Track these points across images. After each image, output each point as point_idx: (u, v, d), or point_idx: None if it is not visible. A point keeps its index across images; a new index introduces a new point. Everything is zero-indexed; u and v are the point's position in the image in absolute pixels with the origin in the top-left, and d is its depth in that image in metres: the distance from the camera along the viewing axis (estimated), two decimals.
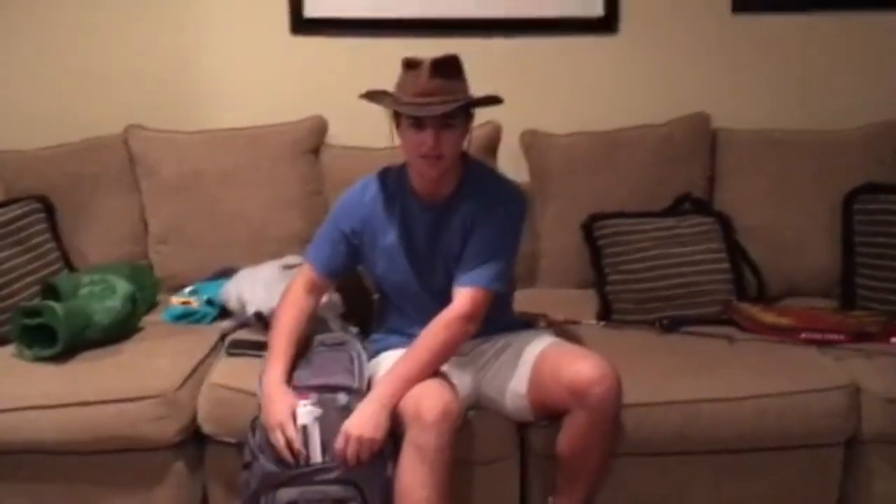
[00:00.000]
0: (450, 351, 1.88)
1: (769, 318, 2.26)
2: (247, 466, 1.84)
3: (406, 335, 1.96)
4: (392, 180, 2.00)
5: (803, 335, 2.18)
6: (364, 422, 1.75)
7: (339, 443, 1.75)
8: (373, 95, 1.91)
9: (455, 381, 1.91)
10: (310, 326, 2.00)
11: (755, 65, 2.72)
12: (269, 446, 1.79)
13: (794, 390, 1.99)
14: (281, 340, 1.92)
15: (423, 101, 1.81)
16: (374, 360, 1.99)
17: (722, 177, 2.59)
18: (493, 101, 1.90)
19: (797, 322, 2.23)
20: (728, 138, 2.60)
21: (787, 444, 2.03)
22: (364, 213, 1.98)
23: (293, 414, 1.78)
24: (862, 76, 2.74)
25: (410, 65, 1.85)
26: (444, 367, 1.91)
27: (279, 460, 1.77)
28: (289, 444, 1.76)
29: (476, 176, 1.97)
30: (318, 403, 1.82)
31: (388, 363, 1.92)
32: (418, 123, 1.82)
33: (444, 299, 1.91)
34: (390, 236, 1.97)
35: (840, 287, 2.44)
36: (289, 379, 1.87)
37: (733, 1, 2.67)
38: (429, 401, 1.75)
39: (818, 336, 2.18)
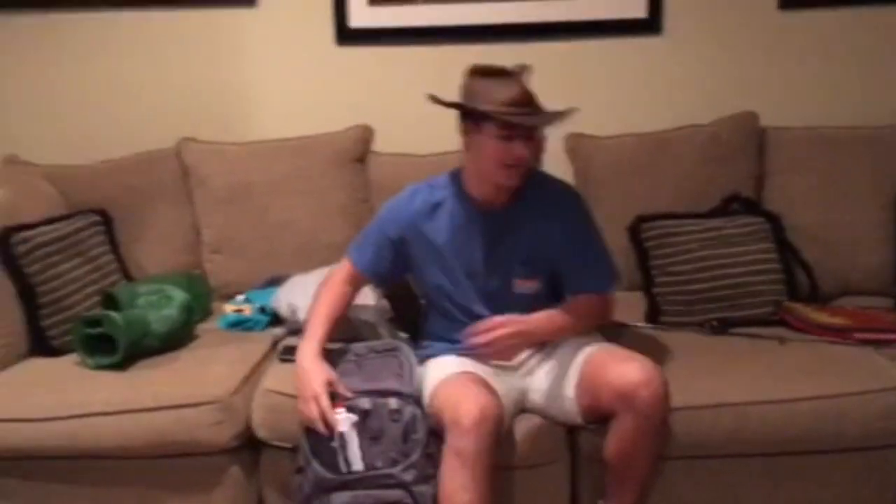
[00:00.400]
0: (592, 321, 2.01)
1: (822, 317, 2.23)
2: (300, 471, 1.87)
3: (454, 342, 1.98)
4: (442, 187, 2.01)
5: (858, 335, 2.14)
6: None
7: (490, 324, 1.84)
8: (460, 104, 1.88)
9: (498, 386, 1.91)
10: (345, 313, 2.06)
11: (803, 61, 2.68)
12: (322, 451, 1.83)
13: (849, 392, 1.95)
14: (317, 319, 1.99)
15: (519, 111, 1.80)
16: (422, 367, 2.00)
17: (771, 176, 2.56)
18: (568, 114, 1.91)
19: (852, 322, 2.19)
20: (777, 137, 2.57)
21: (843, 446, 1.99)
22: (414, 220, 1.99)
23: (329, 388, 1.84)
24: None
25: (496, 73, 1.84)
26: (486, 374, 1.93)
27: (332, 465, 1.81)
28: (322, 416, 1.81)
29: (531, 181, 1.97)
30: (372, 407, 1.86)
31: (437, 370, 1.94)
32: (508, 133, 1.82)
33: (496, 305, 1.95)
34: (443, 242, 1.98)
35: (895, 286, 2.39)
36: (325, 355, 1.94)
37: None
38: (466, 405, 1.75)
39: (873, 335, 2.14)
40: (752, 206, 2.49)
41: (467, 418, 1.73)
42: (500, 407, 1.82)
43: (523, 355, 2.01)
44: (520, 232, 1.96)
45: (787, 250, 2.43)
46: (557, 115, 1.86)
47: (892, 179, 2.44)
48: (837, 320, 2.20)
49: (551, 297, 2.02)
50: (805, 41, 2.67)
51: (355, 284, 2.05)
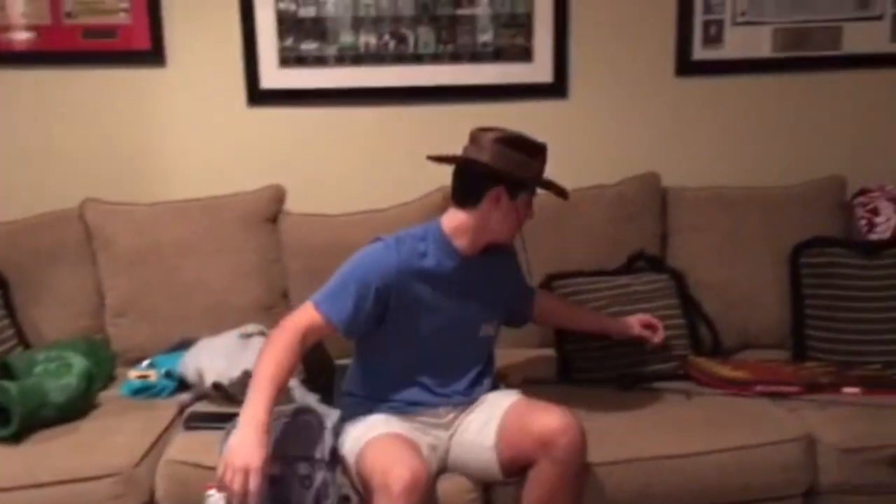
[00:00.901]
0: None
1: (725, 371, 2.30)
2: None
3: (395, 401, 2.00)
4: (422, 239, 2.00)
5: (758, 388, 2.22)
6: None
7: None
8: (517, 177, 1.99)
9: (424, 447, 1.92)
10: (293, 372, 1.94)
11: (700, 125, 2.82)
12: None
13: (751, 444, 2.03)
14: (266, 380, 1.80)
15: (549, 181, 2.06)
16: (346, 425, 1.98)
17: (673, 234, 2.66)
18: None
19: (752, 375, 2.27)
20: (678, 196, 2.67)
21: (748, 497, 2.05)
22: (401, 268, 1.94)
23: (259, 470, 1.71)
24: (803, 133, 2.84)
25: (538, 149, 2.02)
26: (413, 435, 1.92)
27: None
28: (243, 494, 1.69)
29: None
30: (281, 473, 1.82)
31: (365, 428, 1.93)
32: (532, 198, 2.03)
33: (463, 352, 2.04)
34: (432, 290, 1.98)
35: (792, 339, 2.50)
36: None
37: (676, 65, 2.77)
38: (398, 469, 1.74)
39: (772, 388, 2.22)
40: (656, 264, 2.58)
41: (398, 484, 1.72)
42: (430, 472, 1.83)
43: (446, 411, 2.02)
44: (491, 278, 2.05)
45: (690, 306, 2.51)
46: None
47: (786, 237, 2.56)
48: (739, 374, 2.28)
49: (497, 335, 2.15)
50: (701, 106, 2.81)
51: (316, 338, 1.96)
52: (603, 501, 1.98)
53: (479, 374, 2.08)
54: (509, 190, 1.96)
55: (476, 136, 1.99)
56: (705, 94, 2.80)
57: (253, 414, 1.77)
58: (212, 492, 1.79)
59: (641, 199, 2.65)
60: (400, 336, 2.00)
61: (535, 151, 2.00)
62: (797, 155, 2.83)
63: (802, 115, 2.84)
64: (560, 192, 2.09)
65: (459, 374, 2.05)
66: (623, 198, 2.64)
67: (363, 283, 1.92)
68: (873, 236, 2.60)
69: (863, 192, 2.71)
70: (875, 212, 2.64)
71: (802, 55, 2.79)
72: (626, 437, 2.05)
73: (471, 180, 1.98)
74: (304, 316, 1.92)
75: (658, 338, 2.29)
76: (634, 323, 2.30)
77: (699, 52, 2.76)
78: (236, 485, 1.69)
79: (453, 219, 2.01)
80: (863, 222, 2.64)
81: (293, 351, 1.87)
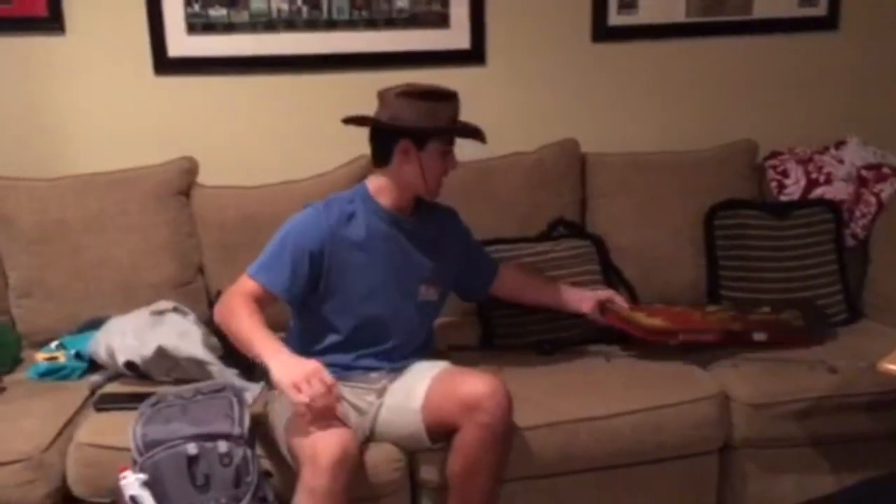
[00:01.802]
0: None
1: (643, 318, 2.29)
2: None
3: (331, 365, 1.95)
4: (350, 201, 2.02)
5: (681, 336, 2.23)
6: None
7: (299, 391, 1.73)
8: (417, 128, 1.97)
9: (352, 416, 1.92)
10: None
11: (617, 91, 2.83)
12: None
13: (666, 403, 2.07)
14: (256, 329, 1.84)
15: (462, 126, 2.03)
16: (274, 394, 1.95)
17: (592, 199, 2.68)
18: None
19: (670, 323, 2.29)
20: (596, 162, 2.69)
21: (665, 455, 2.10)
22: (334, 230, 1.96)
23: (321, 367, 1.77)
24: (716, 98, 2.89)
25: (443, 96, 2.00)
26: (344, 404, 1.91)
27: None
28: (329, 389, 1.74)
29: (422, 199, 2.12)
30: (199, 452, 1.79)
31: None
32: (449, 148, 2.02)
33: (403, 313, 2.05)
34: (365, 248, 1.99)
35: (707, 299, 2.55)
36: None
37: (592, 31, 2.78)
38: (325, 441, 1.73)
39: (693, 337, 2.24)
40: (576, 230, 2.60)
41: (326, 456, 1.71)
42: (357, 443, 1.83)
43: (378, 376, 2.03)
44: (427, 240, 2.06)
45: (611, 271, 2.54)
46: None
47: (700, 200, 2.60)
48: (657, 322, 2.28)
49: (441, 307, 2.18)
50: (617, 72, 2.82)
51: (262, 306, 1.92)
52: (524, 465, 2.01)
53: (417, 341, 2.09)
54: (416, 141, 1.97)
55: (381, 95, 2.02)
56: (621, 60, 2.82)
57: (269, 348, 1.81)
58: (126, 473, 1.75)
59: (560, 166, 2.66)
60: (337, 299, 2.00)
61: (440, 98, 1.99)
62: (711, 119, 2.88)
63: (716, 80, 2.88)
64: (476, 135, 2.07)
65: (397, 337, 2.04)
66: (542, 164, 2.64)
67: (297, 247, 1.94)
68: (783, 198, 2.67)
69: (773, 154, 2.78)
70: (785, 174, 2.71)
71: (715, 20, 2.82)
72: (546, 400, 2.07)
73: (379, 139, 2.01)
74: (245, 287, 1.93)
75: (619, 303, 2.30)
76: (591, 303, 2.26)
77: (614, 18, 2.77)
78: (316, 386, 1.73)
79: (375, 180, 2.05)
80: (773, 184, 2.71)
81: (250, 305, 1.89)
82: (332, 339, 2.02)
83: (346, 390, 1.97)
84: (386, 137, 1.99)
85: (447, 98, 2.01)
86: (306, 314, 2.04)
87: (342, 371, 1.99)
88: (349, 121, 2.03)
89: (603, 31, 2.78)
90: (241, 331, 1.86)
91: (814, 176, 2.68)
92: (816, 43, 2.91)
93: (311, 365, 1.77)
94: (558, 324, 2.38)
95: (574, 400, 2.08)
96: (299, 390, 1.73)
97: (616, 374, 2.20)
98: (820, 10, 2.87)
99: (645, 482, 2.12)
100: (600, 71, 2.81)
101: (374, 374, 2.03)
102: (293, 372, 1.75)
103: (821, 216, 2.56)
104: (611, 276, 2.53)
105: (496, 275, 2.28)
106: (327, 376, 1.76)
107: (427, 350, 2.14)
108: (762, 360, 2.22)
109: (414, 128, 1.96)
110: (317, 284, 1.98)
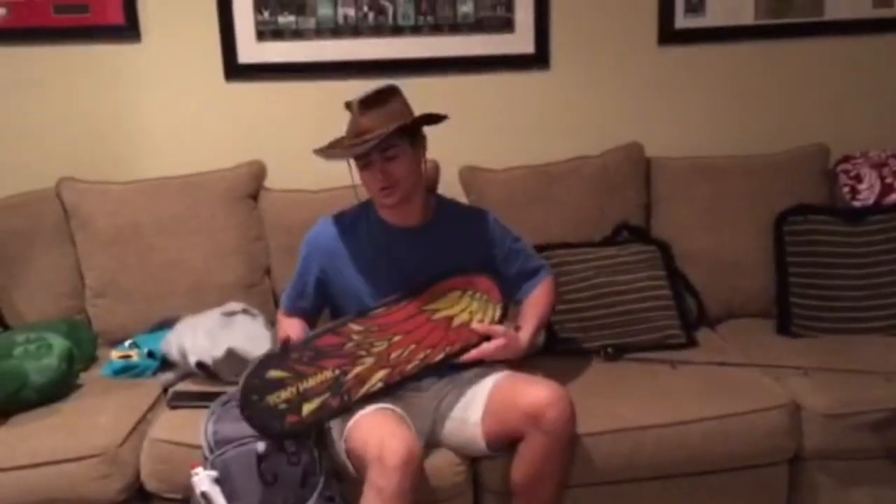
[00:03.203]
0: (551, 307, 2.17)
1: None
2: None
3: None
4: (354, 213, 2.05)
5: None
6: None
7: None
8: (323, 149, 1.99)
9: (414, 421, 1.92)
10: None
11: (683, 94, 2.80)
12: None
13: (736, 412, 2.03)
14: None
15: (359, 141, 1.89)
16: None
17: (657, 204, 2.65)
18: (422, 121, 1.98)
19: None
20: (661, 166, 2.66)
21: (734, 465, 2.06)
22: (333, 244, 2.01)
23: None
24: (786, 101, 2.83)
25: (348, 106, 1.93)
26: (402, 408, 1.92)
27: None
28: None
29: (443, 203, 2.12)
30: (269, 450, 1.83)
31: None
32: (364, 163, 1.92)
33: None
34: (365, 260, 2.01)
35: (776, 307, 2.50)
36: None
37: (659, 34, 2.75)
38: (393, 443, 1.75)
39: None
40: (640, 234, 2.57)
41: (394, 457, 1.72)
42: (420, 445, 1.84)
43: (435, 384, 2.03)
44: (435, 249, 2.02)
45: (676, 276, 2.51)
46: (377, 139, 1.87)
47: (769, 205, 2.55)
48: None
49: None
50: (683, 75, 2.79)
51: (306, 327, 2.07)
52: (590, 472, 1.99)
53: None
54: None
55: None
56: (688, 63, 2.78)
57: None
58: (198, 470, 1.79)
59: (625, 170, 2.63)
60: (351, 307, 2.01)
61: (348, 111, 1.96)
62: (780, 123, 2.82)
63: (785, 83, 2.83)
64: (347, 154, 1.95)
65: None
66: (606, 169, 2.62)
67: (304, 267, 2.06)
68: (856, 203, 2.60)
69: (846, 158, 2.71)
70: (858, 178, 2.63)
71: (785, 22, 2.77)
72: (612, 407, 2.05)
73: None
74: (281, 315, 2.13)
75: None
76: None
77: (681, 21, 2.74)
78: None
79: None
80: (846, 189, 2.64)
81: (299, 323, 2.06)
82: None
83: (400, 398, 1.97)
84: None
85: (349, 108, 1.95)
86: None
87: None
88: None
89: (669, 34, 2.74)
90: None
91: (889, 181, 2.60)
92: (891, 44, 2.82)
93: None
94: (623, 329, 2.36)
95: (640, 407, 2.05)
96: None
97: (683, 381, 2.16)
98: (895, 11, 2.79)
99: (712, 492, 2.08)
100: (666, 74, 2.78)
101: (424, 382, 2.02)
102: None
103: None
104: (676, 282, 2.50)
105: (535, 281, 2.15)
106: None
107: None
108: (834, 369, 2.16)
109: (320, 150, 2.00)
110: (329, 297, 2.05)
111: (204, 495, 1.77)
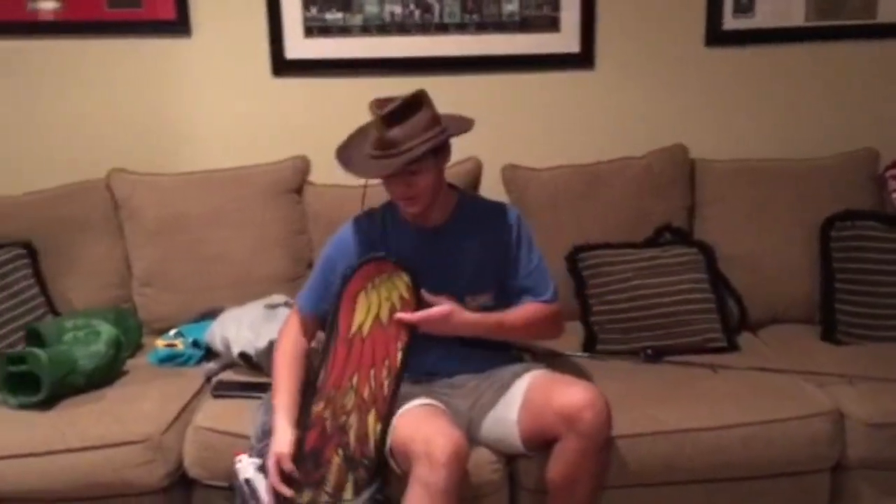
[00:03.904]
0: (538, 330, 2.06)
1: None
2: None
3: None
4: (380, 215, 2.04)
5: None
6: None
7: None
8: (347, 158, 1.97)
9: (454, 418, 1.92)
10: (306, 364, 2.00)
11: (729, 96, 2.77)
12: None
13: (778, 418, 2.01)
14: (282, 389, 1.92)
15: (380, 154, 1.88)
16: None
17: (701, 206, 2.63)
18: (449, 136, 1.93)
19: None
20: (705, 168, 2.64)
21: (775, 471, 2.04)
22: (356, 250, 1.99)
23: (290, 446, 1.82)
24: (835, 104, 2.79)
25: (373, 114, 1.89)
26: (443, 406, 1.93)
27: None
28: (283, 477, 1.80)
29: (466, 200, 2.08)
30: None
31: (410, 397, 1.92)
32: (388, 174, 1.89)
33: None
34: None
35: (821, 314, 2.47)
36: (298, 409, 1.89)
37: (706, 35, 2.72)
38: (441, 439, 1.75)
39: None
40: (683, 236, 2.55)
41: (442, 453, 1.73)
42: (467, 442, 1.83)
43: (470, 381, 2.02)
44: (460, 248, 2.01)
45: (718, 280, 2.48)
46: (401, 163, 1.85)
47: (816, 210, 2.52)
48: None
49: (504, 304, 2.04)
50: (730, 77, 2.76)
51: (309, 333, 2.03)
52: (627, 474, 1.98)
53: (487, 344, 2.04)
54: None
55: None
56: (736, 65, 2.75)
57: (278, 416, 1.87)
58: (241, 457, 1.82)
59: (668, 172, 2.62)
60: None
61: (373, 123, 1.92)
62: (829, 126, 2.77)
63: (835, 86, 2.78)
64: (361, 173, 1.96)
65: (465, 345, 2.02)
66: (650, 170, 2.60)
67: (328, 268, 2.02)
68: None
69: (895, 164, 2.66)
70: None
71: (836, 24, 2.73)
72: (651, 409, 2.04)
73: None
74: (291, 315, 2.06)
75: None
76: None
77: (730, 22, 2.71)
78: (271, 475, 1.80)
79: None
80: (895, 195, 2.59)
81: (290, 352, 1.98)
82: None
83: (437, 396, 1.97)
84: None
85: (374, 116, 1.91)
86: None
87: (426, 376, 2.01)
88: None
89: (717, 35, 2.71)
90: (274, 375, 1.96)
91: None
92: None
93: (273, 457, 1.81)
94: (664, 332, 2.34)
95: (680, 409, 2.04)
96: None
97: (724, 385, 2.14)
98: None
99: (751, 498, 2.06)
100: (713, 76, 2.75)
101: (457, 379, 2.03)
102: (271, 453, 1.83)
103: None
104: (718, 285, 2.47)
105: (522, 301, 2.06)
106: (274, 476, 1.80)
107: (504, 350, 2.11)
108: (879, 378, 2.13)
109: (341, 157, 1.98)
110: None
111: (247, 482, 1.80)
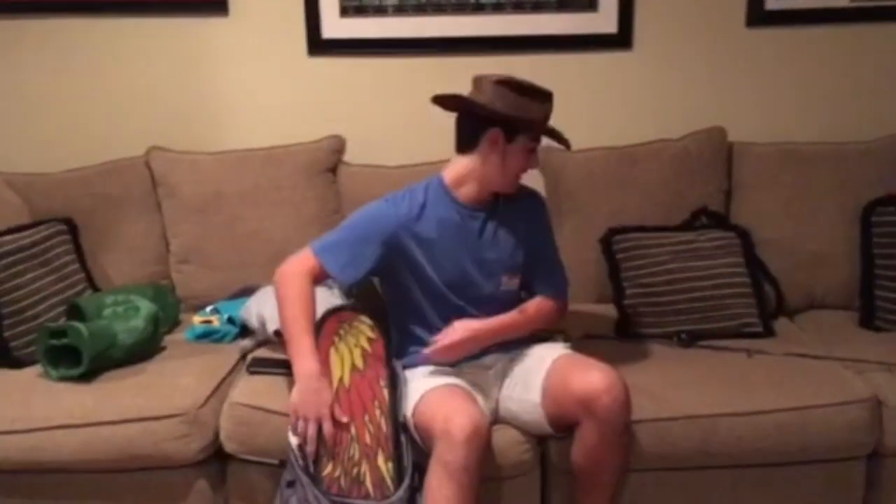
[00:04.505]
0: (542, 324, 2.09)
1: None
2: (290, 485, 1.85)
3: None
4: (422, 192, 2.02)
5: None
6: None
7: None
8: (512, 116, 1.94)
9: (479, 397, 1.94)
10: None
11: (770, 78, 2.72)
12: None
13: (814, 404, 1.99)
14: (301, 329, 1.89)
15: (552, 129, 1.99)
16: (414, 373, 2.01)
17: (739, 190, 2.59)
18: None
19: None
20: (744, 152, 2.60)
21: (809, 458, 2.02)
22: (405, 222, 1.97)
23: (330, 411, 1.83)
24: (878, 87, 2.73)
25: (540, 94, 1.95)
26: (468, 385, 1.94)
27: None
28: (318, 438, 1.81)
29: None
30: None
31: (421, 379, 1.95)
32: (535, 146, 1.98)
33: (485, 304, 2.02)
34: (437, 240, 1.98)
35: (860, 300, 2.43)
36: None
37: (747, 15, 2.67)
38: (460, 418, 1.76)
39: None
40: (719, 220, 2.52)
41: (461, 432, 1.74)
42: (488, 421, 1.85)
43: (500, 360, 2.03)
44: (504, 231, 2.03)
45: (755, 264, 2.46)
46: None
47: (857, 195, 2.48)
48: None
49: (520, 294, 2.10)
50: (771, 59, 2.71)
51: (317, 282, 2.00)
52: (660, 458, 1.98)
53: None
54: (506, 132, 1.93)
55: (478, 80, 1.98)
56: (778, 46, 2.70)
57: (302, 366, 1.86)
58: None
59: (706, 155, 2.58)
60: (418, 288, 2.01)
61: (536, 96, 1.95)
62: (871, 110, 2.72)
63: (878, 68, 2.72)
64: (562, 141, 2.02)
65: None
66: (687, 152, 2.57)
67: (363, 237, 1.97)
68: None
69: None
70: None
71: (881, 5, 2.67)
72: (685, 393, 2.03)
73: (469, 123, 1.98)
74: (307, 263, 1.97)
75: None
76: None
77: (772, 2, 2.66)
78: (311, 431, 1.79)
79: (454, 168, 2.03)
80: None
81: (307, 292, 1.93)
82: (431, 328, 2.03)
83: (464, 377, 1.98)
84: (477, 123, 1.95)
85: (543, 97, 1.96)
86: (400, 307, 2.06)
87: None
88: (444, 100, 1.98)
89: (759, 16, 2.67)
90: (290, 321, 1.91)
91: None
92: None
93: (320, 410, 1.80)
94: (699, 315, 2.32)
95: (714, 394, 2.02)
96: (296, 423, 1.80)
97: (759, 370, 2.12)
98: None
99: (786, 484, 2.04)
100: (754, 57, 2.71)
101: (486, 359, 2.03)
102: (305, 404, 1.81)
103: None
104: (755, 270, 2.45)
105: (536, 293, 2.11)
106: (329, 425, 1.80)
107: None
108: None
109: (509, 116, 1.92)
110: (385, 273, 2.01)
111: (300, 447, 1.82)
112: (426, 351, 1.99)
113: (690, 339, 2.27)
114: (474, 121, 1.96)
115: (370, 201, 2.46)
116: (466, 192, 2.01)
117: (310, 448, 1.81)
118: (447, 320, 2.01)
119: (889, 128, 2.61)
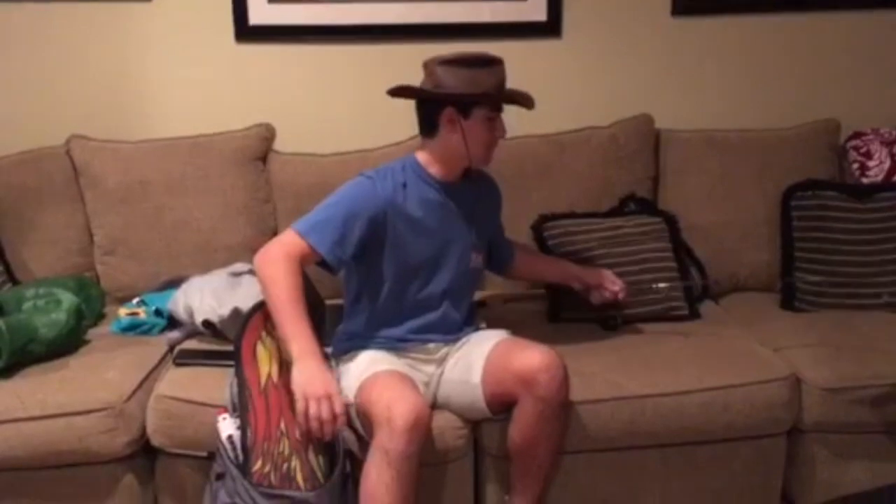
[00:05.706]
0: None
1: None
2: (220, 477, 1.82)
3: (388, 338, 2.01)
4: (400, 171, 2.00)
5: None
6: None
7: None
8: (462, 94, 1.94)
9: (419, 384, 1.95)
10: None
11: (695, 66, 2.78)
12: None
13: (736, 383, 2.05)
14: (296, 315, 1.81)
15: (509, 93, 1.98)
16: (342, 360, 2.01)
17: (666, 176, 2.64)
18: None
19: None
20: (670, 139, 2.65)
21: (733, 435, 2.08)
22: (391, 198, 1.95)
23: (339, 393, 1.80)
24: (798, 76, 2.81)
25: (486, 62, 1.95)
26: (409, 370, 1.95)
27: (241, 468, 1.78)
28: (331, 418, 1.75)
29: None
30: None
31: (363, 365, 1.94)
32: (495, 115, 1.97)
33: (456, 280, 2.04)
34: (420, 217, 1.98)
35: (781, 282, 2.51)
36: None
37: (672, 4, 2.72)
38: (401, 406, 1.76)
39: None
40: (647, 206, 2.57)
41: (401, 420, 1.74)
42: (429, 408, 1.86)
43: (442, 348, 2.05)
44: (475, 208, 2.07)
45: (681, 249, 2.51)
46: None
47: (778, 180, 2.55)
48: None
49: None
50: (696, 47, 2.77)
51: (304, 265, 1.92)
52: (589, 438, 2.02)
53: (466, 309, 2.10)
54: (459, 109, 1.94)
55: (426, 64, 1.99)
56: (702, 35, 2.76)
57: (303, 347, 1.79)
58: (225, 415, 1.83)
59: (634, 142, 2.63)
60: (393, 268, 1.99)
61: (483, 65, 1.95)
62: (792, 97, 2.80)
63: (799, 57, 2.81)
64: (525, 101, 2.02)
65: (452, 307, 2.06)
66: (615, 140, 2.61)
67: (350, 213, 1.91)
68: (865, 180, 2.60)
69: (856, 135, 2.70)
70: (868, 155, 2.63)
71: None
72: (613, 375, 2.07)
73: (424, 109, 2.00)
74: (292, 244, 1.89)
75: (620, 294, 2.21)
76: (578, 283, 2.25)
77: None
78: (324, 411, 1.74)
79: (424, 151, 2.04)
80: (855, 166, 2.63)
81: (297, 275, 1.86)
82: (388, 310, 2.02)
83: (408, 362, 2.00)
84: (431, 107, 1.96)
85: (490, 64, 1.95)
86: (362, 286, 2.03)
87: (397, 343, 2.02)
88: (394, 92, 1.98)
89: (685, 5, 2.72)
90: (280, 306, 1.83)
91: None
92: None
93: (329, 387, 1.77)
94: (624, 300, 2.36)
95: (642, 375, 2.07)
96: (307, 406, 1.75)
97: (685, 351, 2.18)
98: None
99: (710, 461, 2.10)
100: (679, 45, 2.76)
101: (431, 345, 2.04)
102: (312, 386, 1.76)
103: None
104: (681, 254, 2.50)
105: (514, 252, 2.28)
106: (339, 404, 1.77)
107: (473, 317, 2.15)
108: (835, 345, 2.17)
109: (454, 94, 1.92)
110: (366, 253, 1.96)
111: (230, 439, 1.80)
112: (621, 295, 2.18)
113: (619, 323, 2.31)
114: (428, 105, 1.98)
115: (301, 189, 2.45)
116: (440, 172, 2.01)
117: (327, 430, 1.75)
118: (414, 303, 2.01)
119: (809, 115, 2.70)
